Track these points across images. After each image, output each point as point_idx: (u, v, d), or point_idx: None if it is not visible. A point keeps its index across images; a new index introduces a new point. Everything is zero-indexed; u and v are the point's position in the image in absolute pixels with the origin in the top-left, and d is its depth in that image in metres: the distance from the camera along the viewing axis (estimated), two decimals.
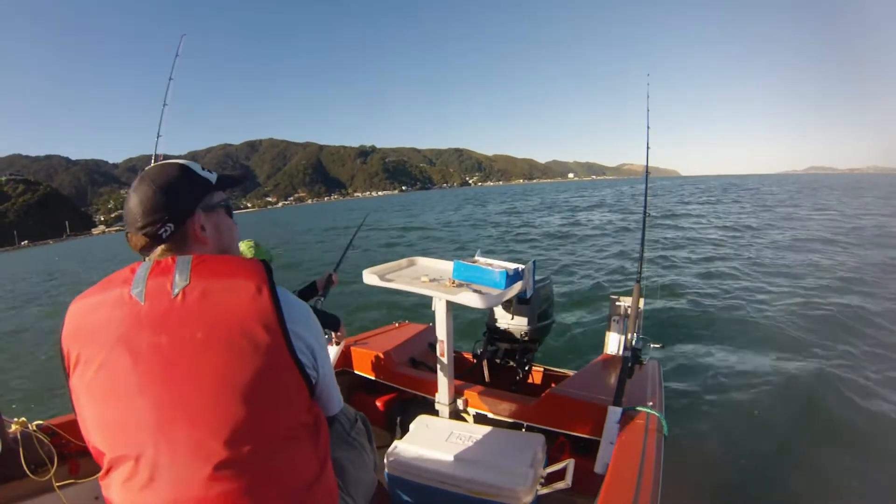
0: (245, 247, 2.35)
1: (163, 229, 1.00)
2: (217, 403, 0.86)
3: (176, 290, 0.90)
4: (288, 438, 0.94)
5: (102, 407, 0.89)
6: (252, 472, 0.88)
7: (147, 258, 1.01)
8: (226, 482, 0.86)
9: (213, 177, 1.12)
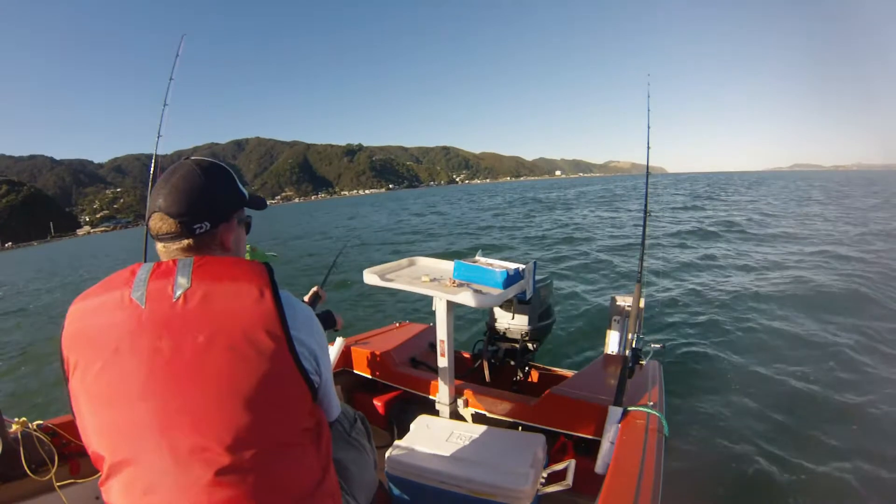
0: None
1: (200, 225, 0.99)
2: (219, 409, 0.85)
3: (177, 294, 0.88)
4: (291, 444, 0.93)
5: (102, 411, 0.87)
6: (254, 478, 0.87)
7: (163, 246, 1.01)
8: (228, 488, 0.85)
9: (246, 193, 1.13)
